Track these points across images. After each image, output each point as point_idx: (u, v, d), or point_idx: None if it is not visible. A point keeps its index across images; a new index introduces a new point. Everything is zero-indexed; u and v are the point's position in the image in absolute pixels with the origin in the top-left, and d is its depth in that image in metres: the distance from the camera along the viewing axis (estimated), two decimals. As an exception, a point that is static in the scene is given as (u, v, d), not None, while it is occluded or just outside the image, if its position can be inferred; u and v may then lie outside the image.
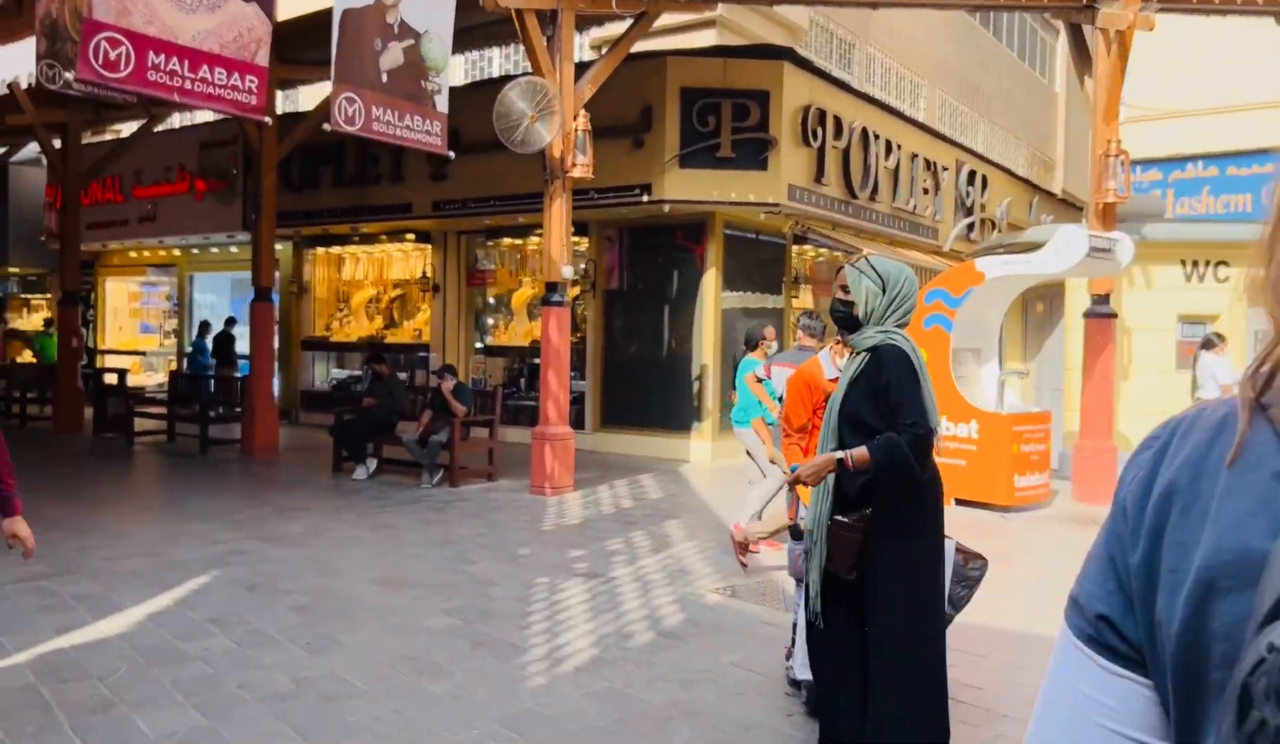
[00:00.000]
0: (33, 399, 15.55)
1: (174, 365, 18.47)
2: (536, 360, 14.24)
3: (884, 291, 3.33)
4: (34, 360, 17.85)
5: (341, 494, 9.34)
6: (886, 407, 3.22)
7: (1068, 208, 21.49)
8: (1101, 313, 9.68)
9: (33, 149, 17.39)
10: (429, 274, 14.94)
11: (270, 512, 8.30)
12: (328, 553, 6.75)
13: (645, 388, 12.75)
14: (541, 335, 9.62)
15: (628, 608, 5.56)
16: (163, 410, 13.43)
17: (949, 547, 3.51)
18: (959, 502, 8.77)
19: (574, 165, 9.26)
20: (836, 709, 3.41)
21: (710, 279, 12.25)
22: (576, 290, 12.75)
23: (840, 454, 3.22)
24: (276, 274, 13.55)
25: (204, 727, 3.81)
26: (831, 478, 3.32)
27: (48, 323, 17.42)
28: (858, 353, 3.36)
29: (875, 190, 13.52)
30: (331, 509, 8.49)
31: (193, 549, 6.75)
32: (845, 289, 3.40)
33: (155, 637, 4.87)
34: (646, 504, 9.02)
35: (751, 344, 7.24)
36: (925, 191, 15.18)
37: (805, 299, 14.46)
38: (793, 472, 3.54)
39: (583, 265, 12.95)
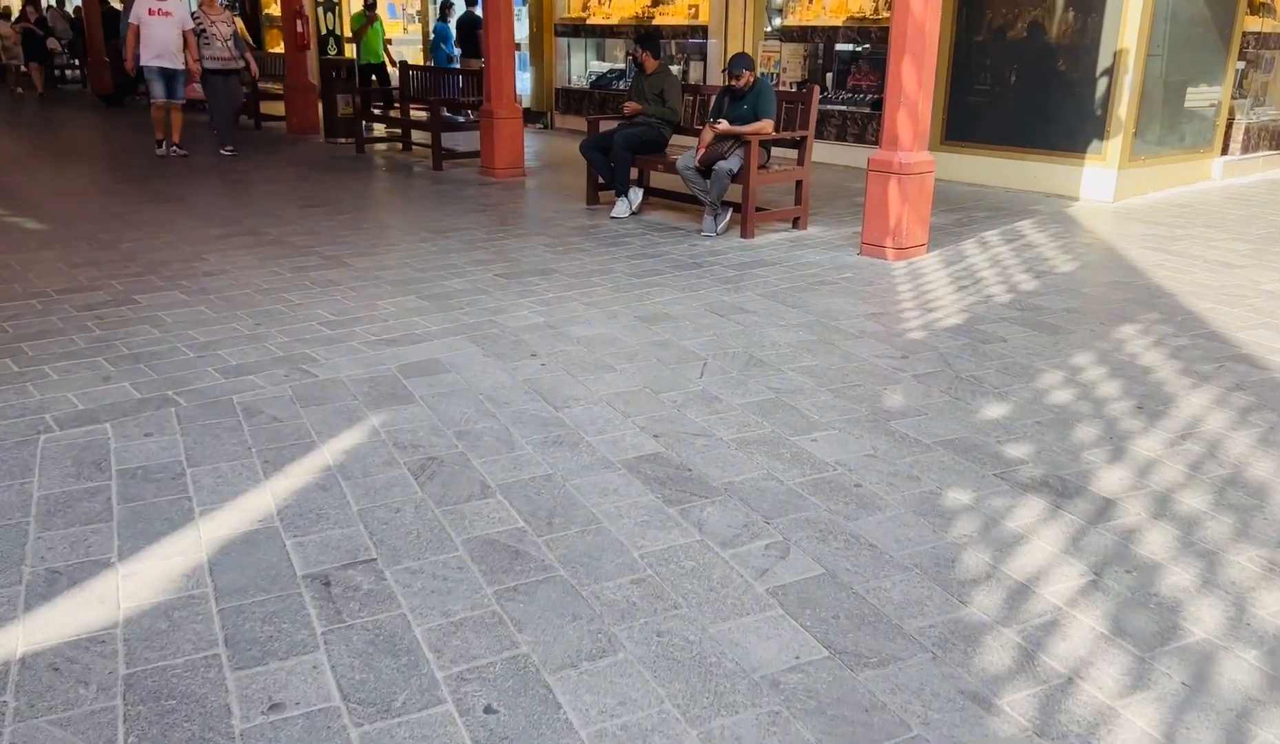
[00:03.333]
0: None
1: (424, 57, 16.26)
2: (852, 46, 10.51)
3: None
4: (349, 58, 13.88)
5: (595, 241, 6.72)
6: None
7: None
8: None
9: None
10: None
11: (494, 277, 5.84)
12: (561, 379, 4.19)
13: (1015, 86, 8.84)
14: (894, 4, 6.06)
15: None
16: (396, 113, 11.23)
17: None
18: None
19: None
20: None
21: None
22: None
23: None
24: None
25: None
26: None
27: (369, 5, 13.09)
28: None
29: None
30: (579, 272, 5.89)
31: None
32: None
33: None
34: (1077, 281, 5.72)
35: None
36: None
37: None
38: None
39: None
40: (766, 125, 6.81)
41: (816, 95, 7.01)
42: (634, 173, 7.81)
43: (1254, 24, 9.45)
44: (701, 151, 6.87)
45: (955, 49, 9.14)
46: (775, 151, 7.25)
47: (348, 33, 18.67)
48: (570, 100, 13.57)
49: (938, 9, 6.03)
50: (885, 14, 9.88)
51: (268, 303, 5.12)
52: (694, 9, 11.97)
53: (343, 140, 11.51)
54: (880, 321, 4.91)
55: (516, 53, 14.40)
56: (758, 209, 7.06)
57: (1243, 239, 6.92)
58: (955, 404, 3.80)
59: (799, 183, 7.16)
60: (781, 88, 10.70)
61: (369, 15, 13.27)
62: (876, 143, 10.23)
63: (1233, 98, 9.43)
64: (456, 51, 14.45)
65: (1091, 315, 5.04)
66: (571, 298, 5.29)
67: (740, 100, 6.96)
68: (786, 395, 3.86)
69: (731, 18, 11.22)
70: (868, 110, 10.15)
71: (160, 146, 10.32)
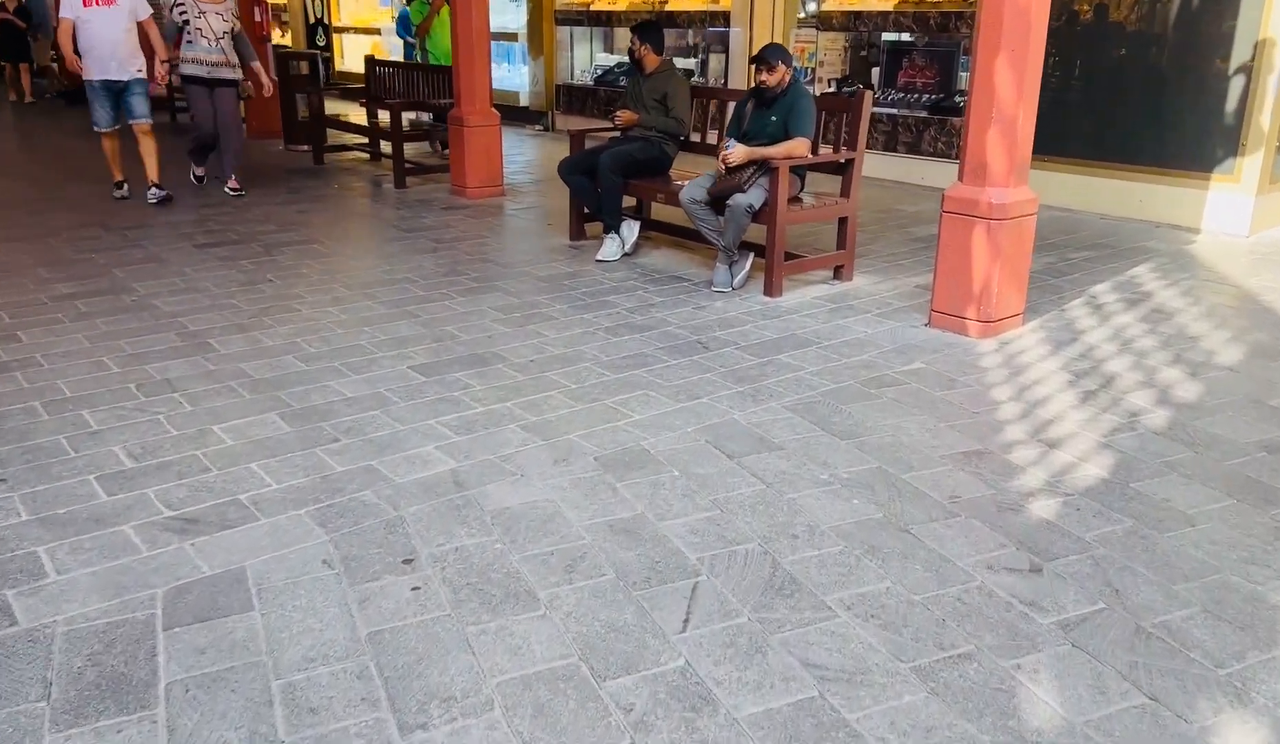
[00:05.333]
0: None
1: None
2: (904, 36, 8.66)
3: None
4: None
5: (568, 302, 4.98)
6: None
7: None
8: None
9: None
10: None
11: (406, 371, 4.13)
12: (431, 638, 2.46)
13: (1118, 87, 6.98)
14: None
15: None
16: (363, 119, 9.54)
17: None
18: None
19: None
20: None
21: None
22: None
23: None
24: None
25: None
26: None
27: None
28: None
29: None
30: (532, 362, 4.17)
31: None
32: None
33: None
34: (1255, 380, 3.90)
35: None
36: None
37: None
38: None
39: None
40: (799, 145, 5.03)
41: (869, 103, 5.20)
42: (629, 200, 6.06)
43: None
44: (719, 180, 5.11)
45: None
46: (812, 177, 5.46)
47: (339, 20, 17.03)
48: (573, 98, 11.81)
49: (1047, -18, 4.22)
50: (947, -4, 8.02)
51: (51, 427, 3.43)
52: (715, -9, 10.16)
53: (303, 148, 9.85)
54: (979, 472, 3.13)
55: (514, 44, 12.71)
56: (788, 256, 5.29)
57: None
58: (1153, 714, 2.03)
59: (843, 220, 5.37)
60: (819, 87, 8.90)
61: (435, 0, 9.66)
62: (934, 153, 8.51)
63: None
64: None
65: (1307, 457, 3.24)
66: (508, 414, 3.56)
67: (768, 109, 5.18)
68: (834, 684, 2.11)
69: (758, 2, 9.40)
70: (924, 114, 8.31)
71: (119, 189, 7.44)
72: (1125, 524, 2.81)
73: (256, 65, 7.73)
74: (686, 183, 5.31)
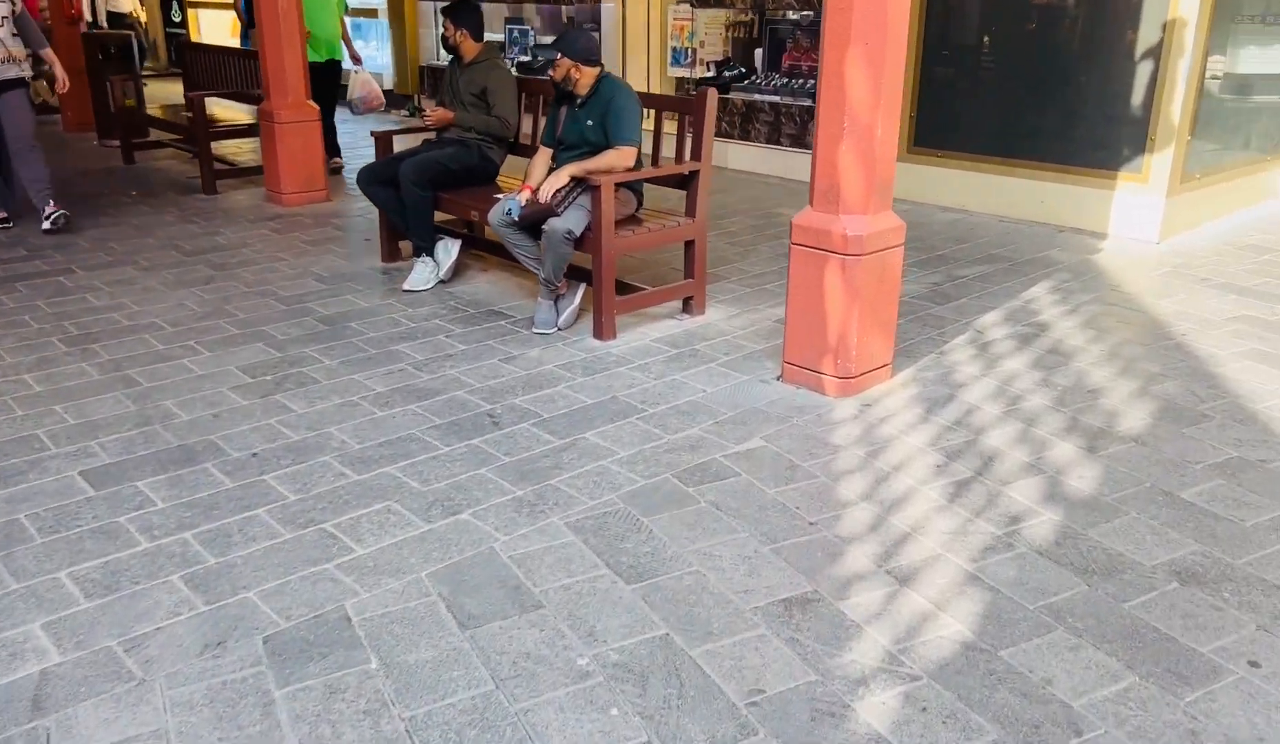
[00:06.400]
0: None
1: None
2: (789, 14, 7.77)
3: None
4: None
5: (339, 355, 4.01)
6: None
7: None
8: None
9: None
10: None
11: (115, 455, 3.14)
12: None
13: (1014, 74, 6.20)
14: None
15: None
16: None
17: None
18: None
19: None
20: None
21: None
22: None
23: None
24: None
25: None
26: None
27: None
28: None
29: None
30: (238, 463, 3.21)
31: None
32: None
33: None
34: (1176, 448, 3.12)
35: None
36: None
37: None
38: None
39: None
40: (622, 156, 4.11)
41: (712, 104, 4.29)
42: (446, 213, 5.09)
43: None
44: (527, 192, 4.17)
45: (927, 19, 6.46)
46: (662, 192, 4.54)
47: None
48: (439, 81, 10.69)
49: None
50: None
51: None
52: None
53: (115, 143, 8.60)
54: (798, 639, 2.27)
55: (375, 21, 11.53)
56: (626, 288, 4.39)
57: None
58: None
59: (689, 244, 4.47)
60: (699, 71, 7.98)
61: None
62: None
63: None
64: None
65: (1241, 579, 2.45)
66: (177, 555, 2.59)
67: (581, 111, 4.26)
68: None
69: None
70: (809, 103, 7.46)
71: None
72: (987, 737, 1.97)
73: (48, 52, 6.08)
74: (501, 198, 4.36)
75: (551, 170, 4.26)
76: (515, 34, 9.64)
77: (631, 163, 4.14)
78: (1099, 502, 2.90)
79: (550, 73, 4.25)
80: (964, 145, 6.42)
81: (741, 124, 7.91)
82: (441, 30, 5.08)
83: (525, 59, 9.50)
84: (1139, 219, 5.74)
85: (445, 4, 5.08)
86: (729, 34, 8.25)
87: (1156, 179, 5.64)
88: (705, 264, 4.54)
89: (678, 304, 4.60)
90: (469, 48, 5.04)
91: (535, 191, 4.12)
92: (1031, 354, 4.05)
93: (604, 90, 4.19)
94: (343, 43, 7.83)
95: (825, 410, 3.53)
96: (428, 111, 5.01)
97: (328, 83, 7.57)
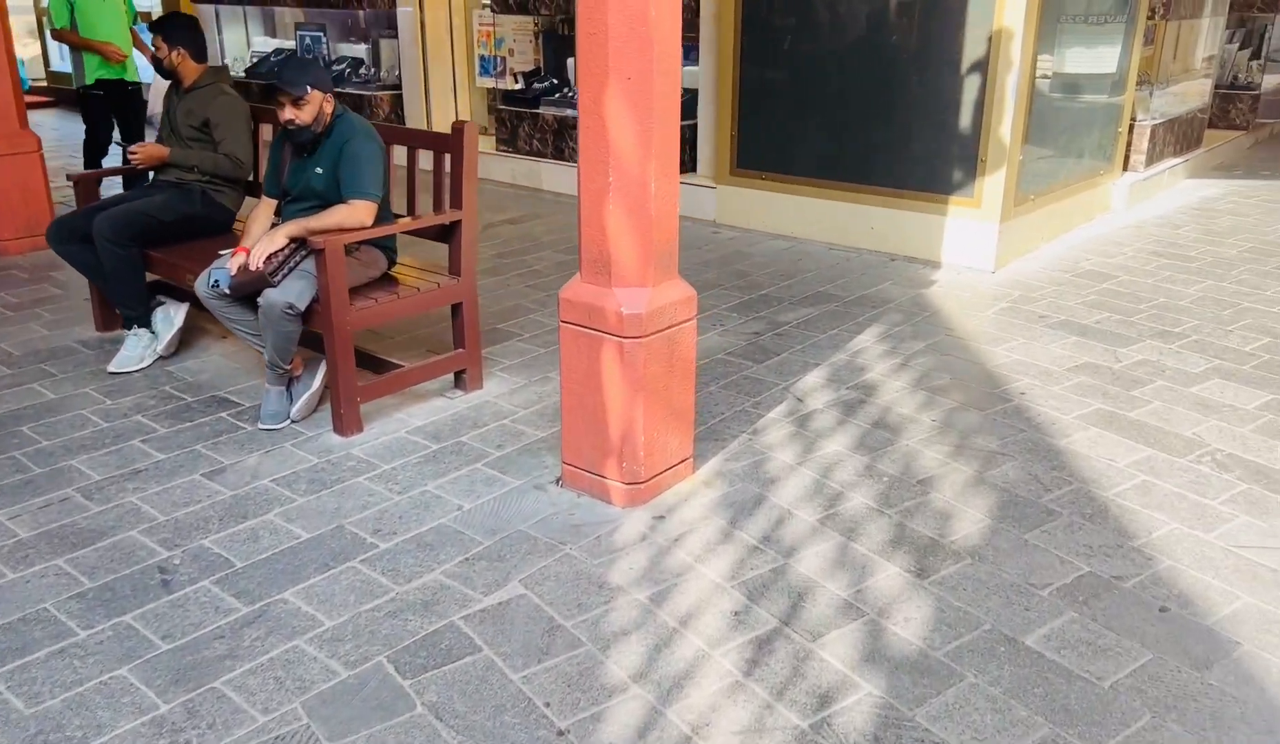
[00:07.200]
0: None
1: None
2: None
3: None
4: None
5: (15, 468, 3.07)
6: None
7: None
8: None
9: None
10: None
11: None
12: None
13: (839, 92, 5.69)
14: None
15: None
16: None
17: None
18: None
19: None
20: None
21: None
22: None
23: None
24: None
25: None
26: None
27: None
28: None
29: None
30: None
31: None
32: None
33: None
34: (1028, 563, 2.54)
35: None
36: None
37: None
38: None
39: None
40: (355, 211, 3.31)
41: (473, 138, 3.52)
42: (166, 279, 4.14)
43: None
44: (242, 256, 3.31)
45: (743, 33, 5.87)
46: (427, 245, 3.73)
47: None
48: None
49: (680, -32, 2.67)
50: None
51: None
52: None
53: None
54: None
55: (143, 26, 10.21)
56: (381, 365, 3.60)
57: (1225, 356, 3.99)
58: None
59: (457, 307, 3.69)
60: (508, 81, 7.23)
61: None
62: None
63: (1136, 87, 6.64)
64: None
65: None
66: None
67: (310, 156, 3.43)
68: None
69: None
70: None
71: None
72: None
73: None
74: (215, 264, 3.48)
75: (274, 226, 3.42)
76: (308, 41, 8.62)
77: (368, 220, 3.33)
78: (928, 661, 2.29)
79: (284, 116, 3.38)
80: (790, 167, 5.88)
81: (554, 142, 7.18)
82: (153, 49, 4.12)
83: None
84: (973, 246, 5.31)
85: (162, 16, 4.13)
86: (539, 42, 7.51)
87: (989, 203, 5.21)
88: (478, 331, 3.77)
89: (449, 381, 3.82)
90: (189, 70, 4.12)
91: (240, 268, 3.27)
92: (856, 429, 3.47)
93: (339, 132, 3.37)
94: (136, 52, 6.50)
95: (608, 530, 2.83)
96: (133, 149, 4.05)
97: (119, 107, 6.35)
